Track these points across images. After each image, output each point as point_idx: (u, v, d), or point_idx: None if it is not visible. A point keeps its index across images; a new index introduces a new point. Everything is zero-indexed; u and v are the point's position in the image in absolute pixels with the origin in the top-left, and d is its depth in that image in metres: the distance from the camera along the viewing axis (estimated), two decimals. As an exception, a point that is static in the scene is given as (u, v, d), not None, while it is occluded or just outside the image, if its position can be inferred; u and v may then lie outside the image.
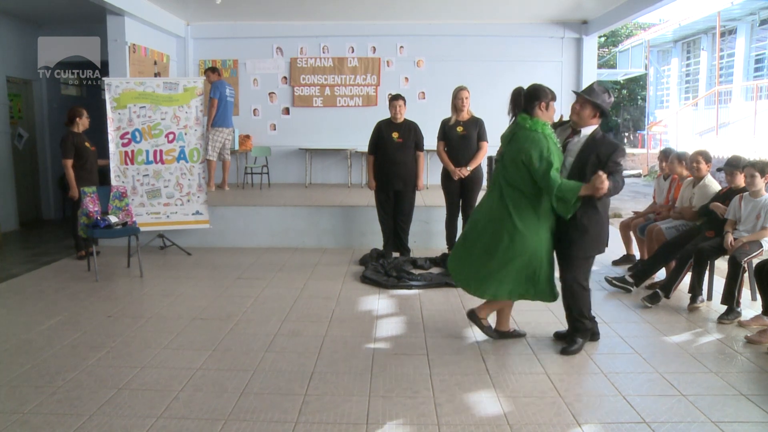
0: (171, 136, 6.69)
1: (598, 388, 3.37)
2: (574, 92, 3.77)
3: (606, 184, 3.38)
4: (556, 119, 3.91)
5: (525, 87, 3.76)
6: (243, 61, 9.62)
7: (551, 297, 3.83)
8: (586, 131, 3.67)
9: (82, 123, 6.34)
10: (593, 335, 4.02)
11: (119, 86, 6.59)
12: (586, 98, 3.61)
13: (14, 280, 5.66)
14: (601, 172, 3.41)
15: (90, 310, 4.74)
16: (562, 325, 4.08)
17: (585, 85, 9.08)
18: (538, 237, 3.66)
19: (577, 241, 3.67)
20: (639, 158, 17.75)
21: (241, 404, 3.13)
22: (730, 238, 4.60)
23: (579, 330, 3.84)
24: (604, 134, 3.68)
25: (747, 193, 4.69)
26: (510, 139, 3.73)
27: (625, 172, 3.79)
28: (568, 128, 3.80)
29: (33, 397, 3.19)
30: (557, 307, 4.14)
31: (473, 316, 3.98)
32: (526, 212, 3.64)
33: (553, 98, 3.68)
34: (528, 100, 3.65)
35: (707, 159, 5.26)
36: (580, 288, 3.77)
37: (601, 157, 3.56)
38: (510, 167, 3.67)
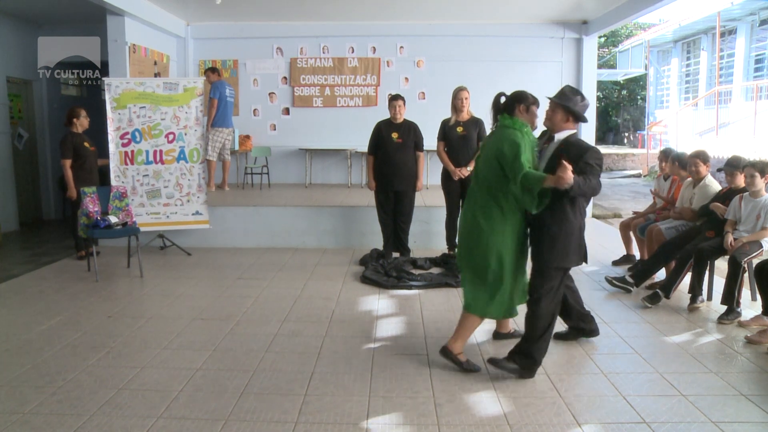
0: (171, 137, 6.70)
1: (598, 388, 3.37)
2: (547, 98, 3.72)
3: (569, 174, 3.21)
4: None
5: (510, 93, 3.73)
6: (243, 62, 9.61)
7: (522, 298, 3.72)
8: (561, 136, 3.58)
9: (80, 123, 6.34)
10: (591, 332, 4.04)
11: (119, 86, 6.59)
12: (556, 102, 3.56)
13: (14, 280, 5.67)
14: (566, 162, 3.24)
15: (90, 310, 4.74)
16: (562, 325, 4.07)
17: (585, 85, 9.11)
18: (503, 237, 3.52)
19: (545, 251, 3.50)
20: (639, 158, 17.75)
21: (241, 404, 3.14)
22: (730, 238, 4.60)
23: (524, 353, 3.51)
24: (579, 139, 3.61)
25: (747, 193, 4.70)
26: (488, 140, 3.73)
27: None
28: (546, 136, 3.76)
29: (33, 397, 3.19)
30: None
31: (446, 353, 3.64)
32: (491, 210, 3.55)
33: (534, 103, 3.65)
34: (508, 103, 3.64)
35: (704, 160, 5.25)
36: (544, 301, 3.49)
37: (571, 159, 3.38)
38: (483, 166, 3.62)
